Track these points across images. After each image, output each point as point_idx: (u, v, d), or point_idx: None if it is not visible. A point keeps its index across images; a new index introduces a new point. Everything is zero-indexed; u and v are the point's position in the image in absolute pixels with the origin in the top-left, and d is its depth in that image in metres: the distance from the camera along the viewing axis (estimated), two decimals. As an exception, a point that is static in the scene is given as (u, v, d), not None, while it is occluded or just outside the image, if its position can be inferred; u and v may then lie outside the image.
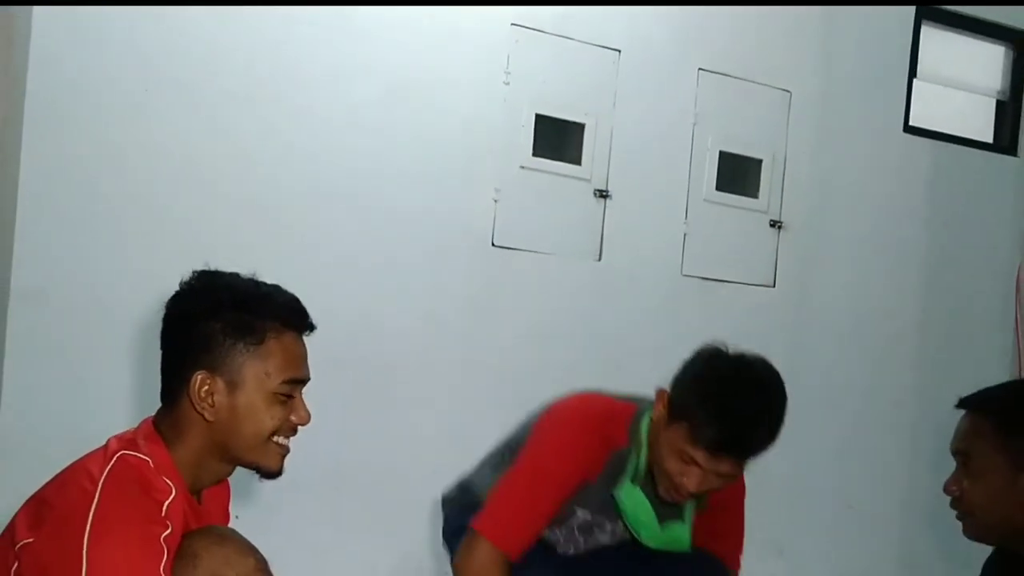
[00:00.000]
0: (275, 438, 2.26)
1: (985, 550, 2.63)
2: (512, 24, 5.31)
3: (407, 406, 5.08)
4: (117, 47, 4.66)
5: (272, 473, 2.29)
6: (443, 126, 5.22)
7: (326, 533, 4.86)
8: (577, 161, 5.50)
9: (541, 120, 5.41)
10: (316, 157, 5.00)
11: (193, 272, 2.31)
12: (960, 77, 6.63)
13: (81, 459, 2.15)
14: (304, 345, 2.33)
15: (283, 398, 2.25)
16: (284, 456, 2.30)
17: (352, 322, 4.91)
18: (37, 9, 4.24)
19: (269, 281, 2.37)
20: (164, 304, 2.32)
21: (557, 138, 5.49)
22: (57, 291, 4.54)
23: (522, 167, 5.36)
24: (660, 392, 2.97)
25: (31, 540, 2.00)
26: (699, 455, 2.76)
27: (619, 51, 5.55)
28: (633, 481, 2.93)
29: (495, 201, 5.31)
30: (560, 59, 5.45)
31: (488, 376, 5.30)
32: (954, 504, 2.49)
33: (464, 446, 5.22)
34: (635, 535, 3.00)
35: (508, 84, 5.33)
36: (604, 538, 3.11)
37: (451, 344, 5.22)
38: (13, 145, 2.54)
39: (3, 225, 2.31)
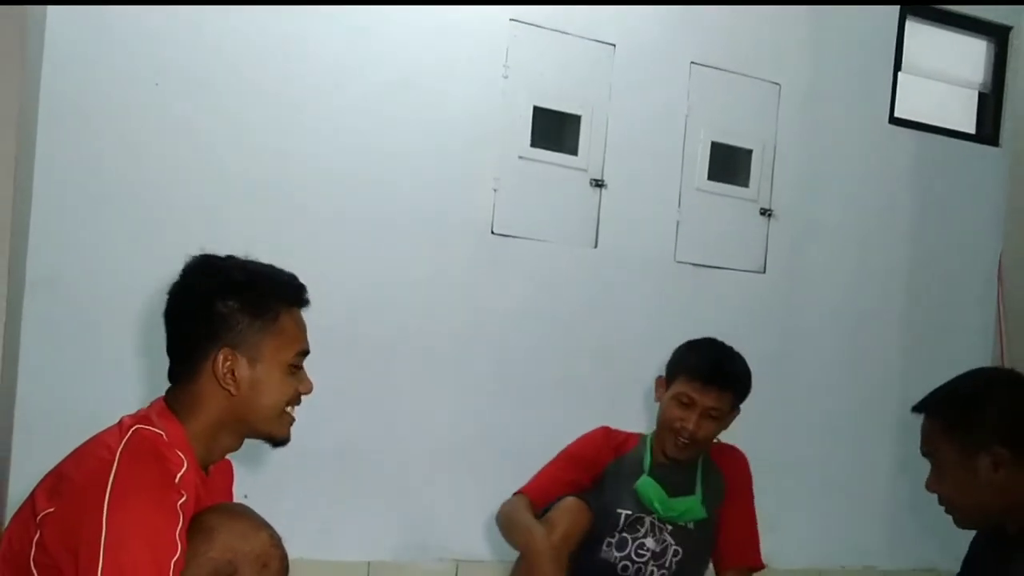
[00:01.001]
0: (287, 408, 2.32)
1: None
2: (511, 20, 5.33)
3: (410, 386, 5.10)
4: (128, 43, 4.68)
5: (283, 441, 2.36)
6: (445, 118, 5.23)
7: (333, 509, 4.88)
8: (574, 152, 5.51)
9: (539, 112, 5.43)
10: (322, 148, 5.01)
11: (193, 257, 2.33)
12: (943, 70, 6.64)
13: (96, 435, 2.17)
14: (303, 319, 2.37)
15: (294, 370, 2.31)
16: (291, 425, 2.36)
17: (357, 305, 4.94)
18: (51, 7, 4.25)
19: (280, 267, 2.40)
20: (168, 289, 2.32)
21: (554, 129, 5.50)
22: (69, 279, 4.57)
23: (521, 157, 5.37)
24: (657, 379, 3.48)
25: (52, 510, 2.03)
26: (694, 388, 3.28)
27: (614, 45, 5.56)
28: (647, 474, 3.39)
29: (495, 190, 5.32)
30: (557, 53, 5.45)
31: (487, 358, 5.32)
32: (940, 501, 2.57)
33: (464, 425, 5.26)
34: (653, 510, 3.39)
35: (507, 78, 5.33)
36: (648, 541, 3.39)
37: (452, 327, 5.24)
38: (28, 139, 2.55)
39: (19, 216, 2.32)
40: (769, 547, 5.89)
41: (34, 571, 2.03)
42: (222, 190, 4.85)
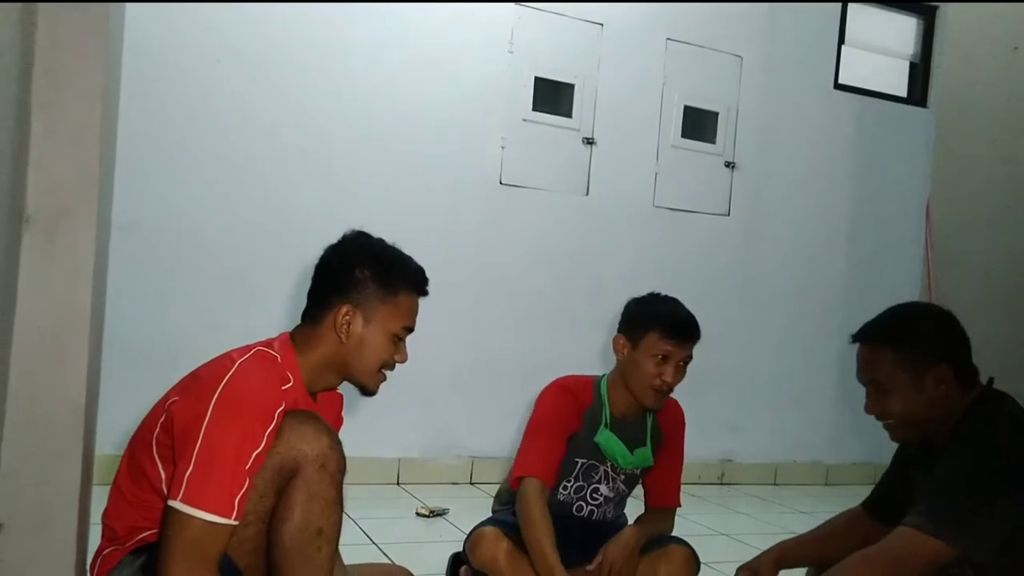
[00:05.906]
0: (381, 368, 2.37)
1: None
2: (516, 3, 5.31)
3: (431, 312, 5.08)
4: (192, 28, 4.69)
5: (371, 393, 2.40)
6: (460, 87, 5.23)
7: (366, 413, 4.91)
8: (568, 115, 5.52)
9: (539, 82, 5.45)
10: (357, 113, 5.02)
11: (352, 230, 2.39)
12: (880, 43, 6.61)
13: (228, 351, 2.23)
14: (418, 305, 2.43)
15: (396, 340, 2.36)
16: (381, 383, 2.41)
17: (388, 246, 4.96)
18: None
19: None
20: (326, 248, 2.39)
21: (552, 96, 5.51)
22: (147, 224, 4.60)
23: (524, 120, 5.39)
24: (616, 338, 3.16)
25: (178, 399, 2.11)
26: (670, 346, 3.01)
27: (602, 25, 5.54)
28: (606, 428, 3.17)
29: (502, 148, 5.33)
30: (554, 32, 5.45)
31: (496, 288, 5.36)
32: (879, 418, 2.47)
33: (476, 343, 5.30)
34: (615, 463, 3.20)
35: (512, 52, 5.33)
36: (602, 487, 3.24)
37: (467, 262, 5.28)
38: (112, 106, 2.56)
39: (105, 171, 2.34)
40: (732, 445, 6.01)
41: (154, 448, 2.10)
42: (273, 149, 4.87)
